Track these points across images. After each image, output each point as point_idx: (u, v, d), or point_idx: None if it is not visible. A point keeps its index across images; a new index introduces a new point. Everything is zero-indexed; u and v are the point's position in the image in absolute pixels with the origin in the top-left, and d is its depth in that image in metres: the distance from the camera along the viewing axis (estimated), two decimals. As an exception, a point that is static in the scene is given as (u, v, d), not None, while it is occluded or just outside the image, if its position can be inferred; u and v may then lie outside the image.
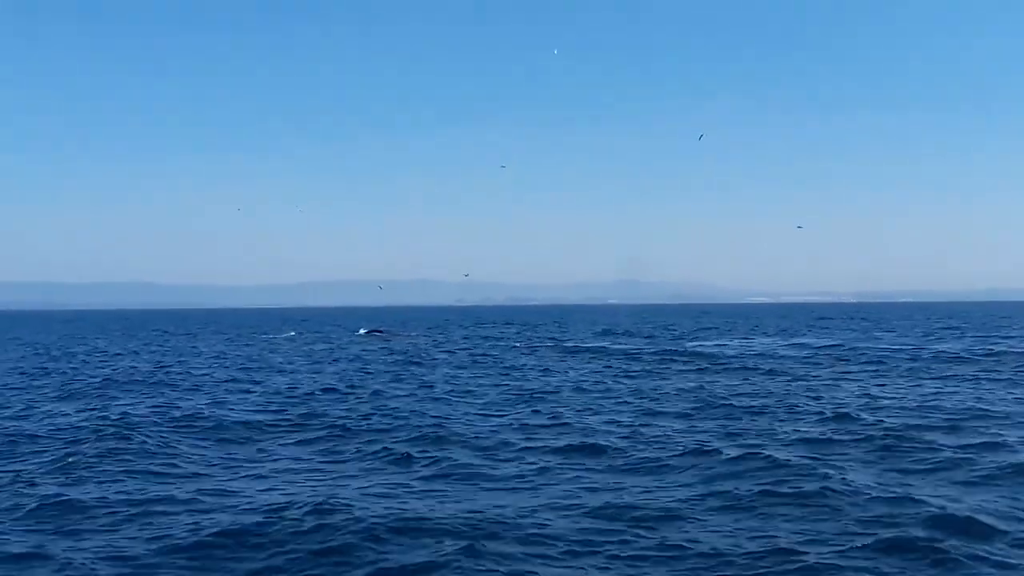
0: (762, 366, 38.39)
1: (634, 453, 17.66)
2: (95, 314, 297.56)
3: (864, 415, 22.26)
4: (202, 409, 24.87)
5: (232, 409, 25.17)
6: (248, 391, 30.44)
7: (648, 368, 38.54)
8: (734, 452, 17.01)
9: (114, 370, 40.56)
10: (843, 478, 14.56)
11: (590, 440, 19.02)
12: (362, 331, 79.21)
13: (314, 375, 36.92)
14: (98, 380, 34.95)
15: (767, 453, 16.85)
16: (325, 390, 30.30)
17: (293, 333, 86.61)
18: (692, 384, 31.04)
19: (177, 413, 23.91)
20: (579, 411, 24.04)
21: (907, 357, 42.31)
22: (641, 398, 27.00)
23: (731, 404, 24.83)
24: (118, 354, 54.13)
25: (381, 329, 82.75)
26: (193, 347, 62.07)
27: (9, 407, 26.46)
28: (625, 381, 32.58)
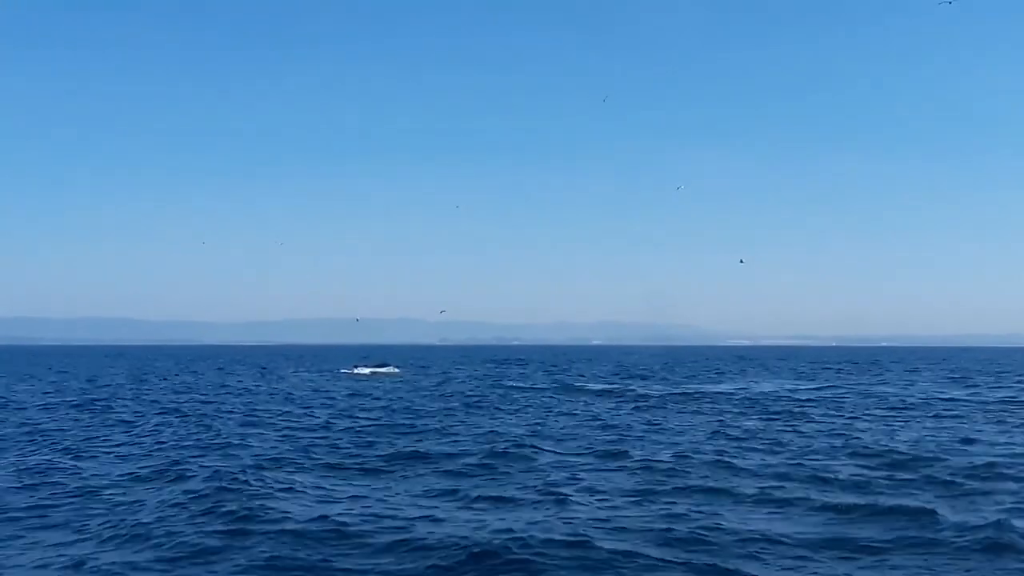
0: (801, 408, 39.01)
1: (753, 492, 18.10)
2: (83, 349, 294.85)
3: (938, 454, 22.93)
4: (314, 445, 25.76)
5: (335, 442, 25.72)
6: (323, 426, 31.07)
7: (695, 409, 38.94)
8: (836, 498, 17.43)
9: (180, 407, 40.75)
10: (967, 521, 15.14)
11: (713, 482, 19.36)
12: (367, 370, 78.13)
13: (367, 411, 37.42)
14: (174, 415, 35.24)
15: (875, 498, 17.40)
16: (394, 427, 31.07)
17: (303, 371, 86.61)
18: (753, 424, 31.68)
19: (289, 451, 24.45)
20: (675, 454, 23.95)
21: (932, 401, 43.12)
22: (719, 439, 27.44)
23: (803, 445, 25.34)
24: (145, 387, 54.09)
25: (381, 367, 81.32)
26: (221, 383, 61.96)
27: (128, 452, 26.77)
28: (690, 420, 33.20)
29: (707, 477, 19.99)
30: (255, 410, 38.59)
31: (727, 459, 22.62)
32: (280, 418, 34.56)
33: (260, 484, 18.97)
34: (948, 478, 19.75)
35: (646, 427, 31.03)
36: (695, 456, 23.18)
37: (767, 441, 26.70)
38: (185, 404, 42.01)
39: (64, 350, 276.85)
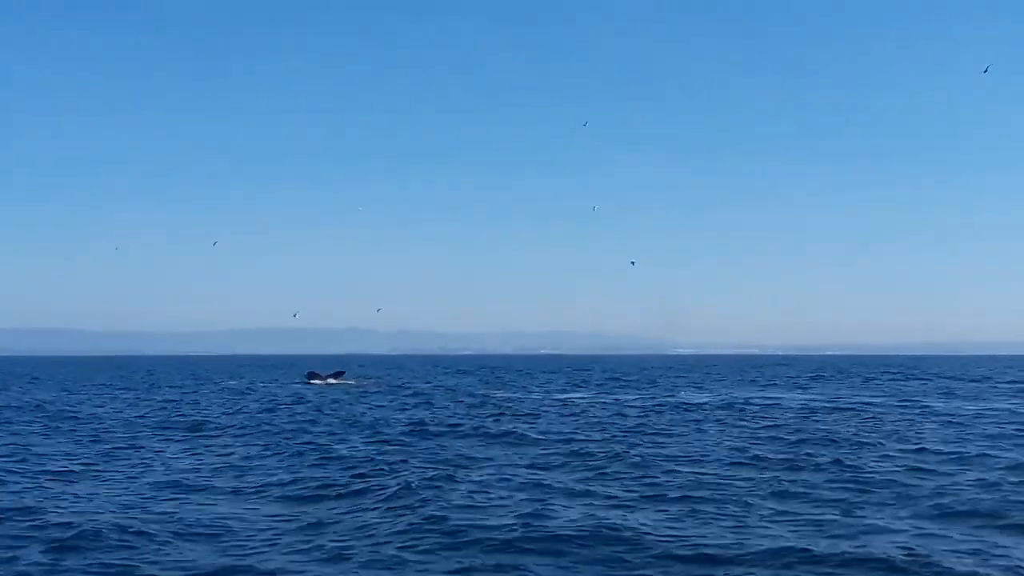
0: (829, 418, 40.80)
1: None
2: (35, 360, 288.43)
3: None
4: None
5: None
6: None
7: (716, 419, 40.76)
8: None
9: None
10: None
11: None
12: (333, 380, 76.70)
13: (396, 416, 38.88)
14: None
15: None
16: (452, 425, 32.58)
17: (261, 382, 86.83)
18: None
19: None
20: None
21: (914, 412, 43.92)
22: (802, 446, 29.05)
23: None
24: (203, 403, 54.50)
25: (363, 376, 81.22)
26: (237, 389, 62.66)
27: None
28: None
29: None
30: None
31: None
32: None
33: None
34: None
35: (690, 432, 33.23)
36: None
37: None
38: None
39: (12, 361, 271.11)
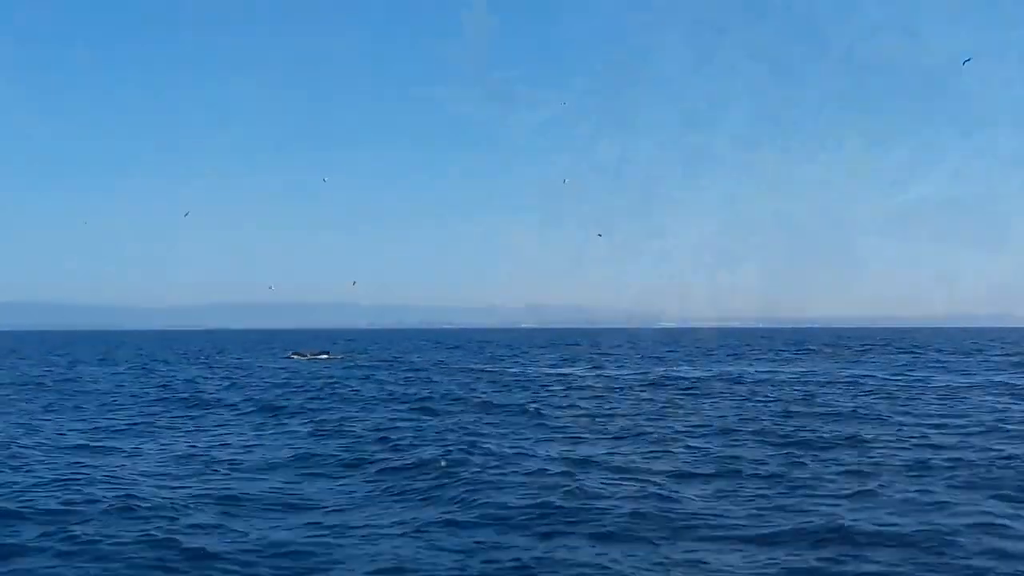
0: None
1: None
2: (14, 335, 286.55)
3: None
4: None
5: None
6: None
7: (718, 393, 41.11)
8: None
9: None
10: None
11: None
12: (323, 355, 77.82)
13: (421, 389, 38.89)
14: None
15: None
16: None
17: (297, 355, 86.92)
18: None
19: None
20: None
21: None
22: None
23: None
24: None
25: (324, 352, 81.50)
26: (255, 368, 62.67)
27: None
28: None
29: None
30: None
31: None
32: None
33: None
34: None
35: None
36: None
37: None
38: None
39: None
